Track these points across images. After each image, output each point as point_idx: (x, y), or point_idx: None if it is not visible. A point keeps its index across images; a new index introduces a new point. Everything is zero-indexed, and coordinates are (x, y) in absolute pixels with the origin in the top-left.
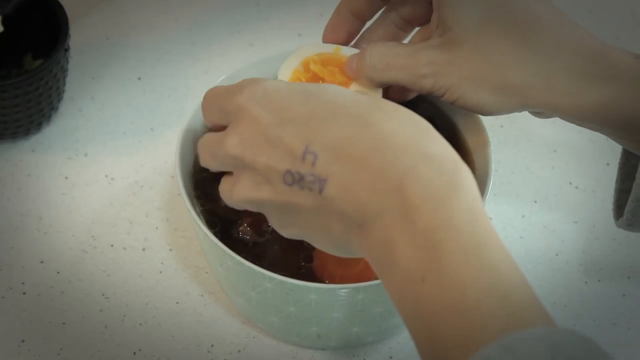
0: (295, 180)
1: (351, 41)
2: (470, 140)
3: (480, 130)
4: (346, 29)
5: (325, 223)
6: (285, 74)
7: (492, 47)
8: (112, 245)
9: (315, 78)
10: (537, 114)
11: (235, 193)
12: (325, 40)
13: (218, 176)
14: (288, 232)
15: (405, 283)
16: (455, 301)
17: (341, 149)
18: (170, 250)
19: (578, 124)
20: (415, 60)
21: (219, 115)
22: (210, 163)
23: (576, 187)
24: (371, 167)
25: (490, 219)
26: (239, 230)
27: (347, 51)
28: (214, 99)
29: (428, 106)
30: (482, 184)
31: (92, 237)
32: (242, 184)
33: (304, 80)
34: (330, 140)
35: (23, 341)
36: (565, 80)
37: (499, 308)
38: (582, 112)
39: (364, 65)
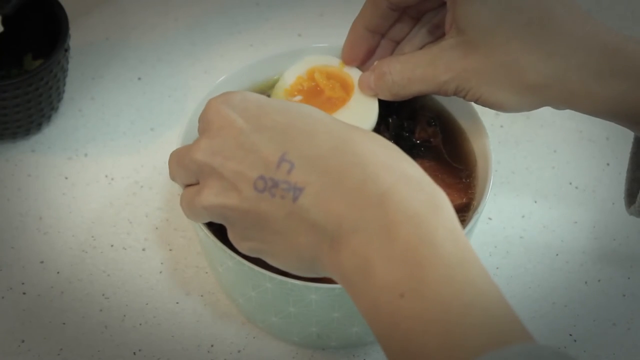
0: (268, 187)
1: (370, 57)
2: (473, 141)
3: (480, 130)
4: (364, 46)
5: (293, 235)
6: (289, 78)
7: (506, 49)
8: (112, 245)
9: (316, 88)
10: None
11: (200, 200)
12: (345, 59)
13: None
14: (249, 246)
15: (381, 298)
16: (436, 317)
17: (320, 160)
18: (170, 250)
19: (594, 116)
20: (434, 69)
21: (200, 126)
22: (177, 174)
23: (576, 187)
24: (351, 180)
25: (490, 219)
26: None
27: (350, 68)
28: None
29: (432, 104)
30: (482, 184)
31: (92, 237)
32: (208, 191)
33: (305, 86)
34: (309, 151)
35: (23, 341)
36: (580, 80)
37: (480, 324)
38: (597, 108)
39: (385, 83)
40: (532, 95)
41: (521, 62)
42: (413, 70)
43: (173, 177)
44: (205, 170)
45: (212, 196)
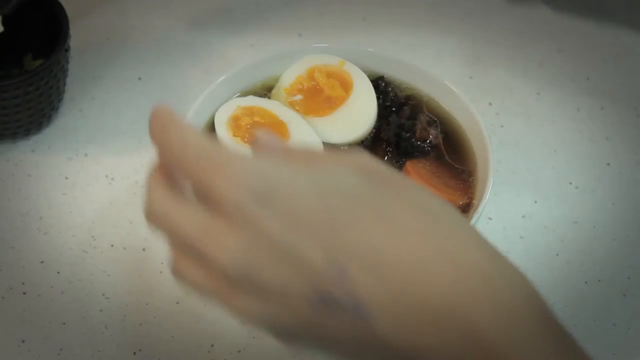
0: (323, 299)
1: None
2: (473, 141)
3: (480, 130)
4: None
5: (362, 354)
6: (289, 78)
7: None
8: (112, 245)
9: (316, 87)
10: None
11: (239, 309)
12: None
13: None
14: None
15: None
16: None
17: (375, 256)
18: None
19: None
20: None
21: (195, 189)
22: (164, 236)
23: (576, 187)
24: (419, 285)
25: (490, 219)
26: None
27: (350, 66)
28: (177, 142)
29: (432, 104)
30: (482, 184)
31: (93, 237)
32: (248, 304)
33: (305, 86)
34: (360, 247)
35: (23, 341)
36: None
37: None
38: None
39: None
40: None
41: None
42: None
43: (151, 227)
44: (236, 277)
45: (256, 311)
